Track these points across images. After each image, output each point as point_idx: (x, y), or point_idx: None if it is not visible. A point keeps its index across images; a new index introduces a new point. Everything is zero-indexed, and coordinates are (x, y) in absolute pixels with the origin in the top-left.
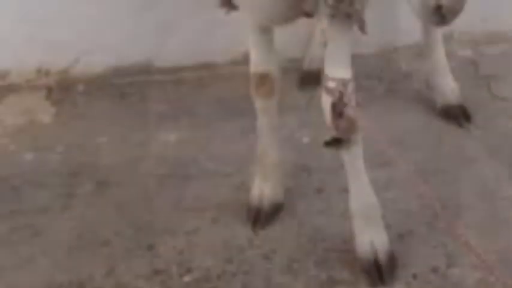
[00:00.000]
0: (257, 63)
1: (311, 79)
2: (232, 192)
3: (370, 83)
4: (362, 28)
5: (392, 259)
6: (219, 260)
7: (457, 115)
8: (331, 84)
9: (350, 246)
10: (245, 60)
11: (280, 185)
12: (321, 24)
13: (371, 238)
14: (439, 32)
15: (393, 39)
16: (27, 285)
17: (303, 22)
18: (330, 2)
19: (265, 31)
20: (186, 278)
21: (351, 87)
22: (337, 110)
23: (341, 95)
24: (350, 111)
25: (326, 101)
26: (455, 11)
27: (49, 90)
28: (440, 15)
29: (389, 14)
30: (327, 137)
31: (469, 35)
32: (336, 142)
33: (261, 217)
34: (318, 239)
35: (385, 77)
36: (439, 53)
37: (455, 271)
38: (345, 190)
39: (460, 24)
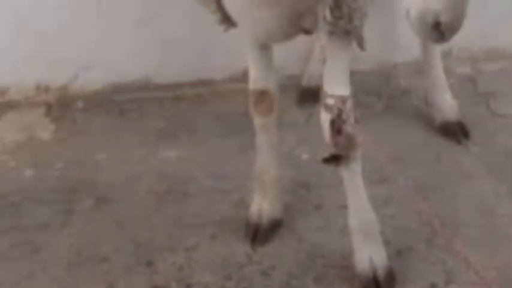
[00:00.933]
0: (256, 80)
1: (310, 96)
2: (231, 209)
3: (369, 100)
4: (361, 45)
5: (391, 275)
6: (218, 276)
7: (456, 132)
8: (330, 101)
9: (349, 262)
10: (244, 77)
11: (279, 202)
12: (320, 41)
13: (370, 254)
14: (438, 49)
15: (392, 56)
16: None
17: (301, 39)
18: (329, 18)
19: (264, 48)
20: None
21: (349, 104)
22: (336, 126)
23: (340, 112)
24: (349, 128)
25: (325, 118)
26: (454, 28)
27: (48, 106)
28: (439, 32)
29: (388, 30)
30: (326, 153)
31: (467, 52)
32: (335, 159)
33: (260, 233)
34: (317, 255)
35: (384, 94)
36: (438, 69)
37: None
38: (344, 206)
39: (459, 41)
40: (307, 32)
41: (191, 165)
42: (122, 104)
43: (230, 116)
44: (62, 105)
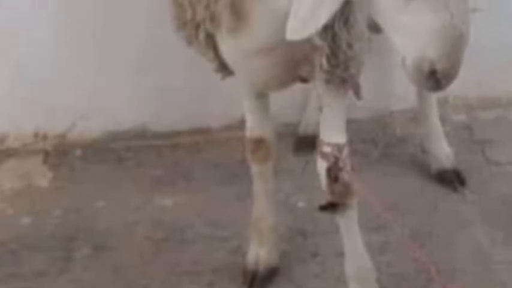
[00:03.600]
0: (253, 128)
1: (306, 144)
2: (229, 256)
3: (365, 148)
4: (357, 93)
5: None
6: None
7: (452, 179)
8: (327, 149)
9: None
10: (241, 125)
11: (276, 249)
12: (317, 89)
13: None
14: (434, 97)
15: (388, 104)
16: None
17: (298, 87)
18: (325, 67)
19: (261, 96)
20: None
21: (345, 151)
22: (333, 174)
23: (336, 160)
24: (345, 175)
25: (321, 166)
26: (450, 77)
27: (46, 154)
28: (435, 81)
29: (384, 79)
30: (323, 201)
31: (463, 100)
32: (331, 206)
33: (257, 281)
34: None
35: (380, 142)
36: (434, 117)
37: None
38: (341, 254)
39: (455, 89)
40: (304, 80)
41: (188, 213)
42: (119, 152)
43: (227, 163)
44: (59, 153)
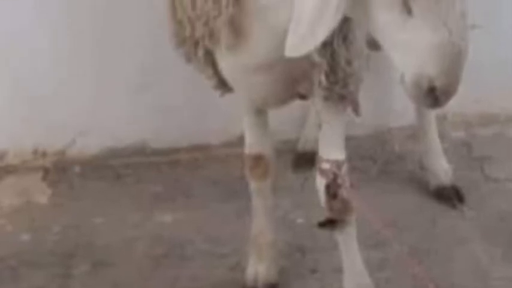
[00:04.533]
0: (252, 145)
1: (305, 160)
2: (228, 273)
3: (364, 164)
4: (356, 110)
5: None
6: None
7: (450, 196)
8: (325, 166)
9: None
10: (240, 142)
11: (274, 265)
12: (315, 106)
13: None
14: (433, 114)
15: (387, 121)
16: None
17: (297, 104)
18: (324, 84)
19: (260, 113)
20: None
21: (344, 168)
22: (331, 191)
23: (335, 177)
24: (344, 192)
25: (320, 183)
26: (449, 93)
27: (45, 171)
28: (434, 97)
29: (383, 95)
30: (321, 217)
31: (462, 117)
32: (330, 223)
33: None
34: None
35: (378, 158)
36: (433, 134)
37: None
38: (339, 270)
39: (453, 105)
40: (303, 96)
41: (188, 229)
42: (118, 169)
43: (226, 180)
44: (59, 170)
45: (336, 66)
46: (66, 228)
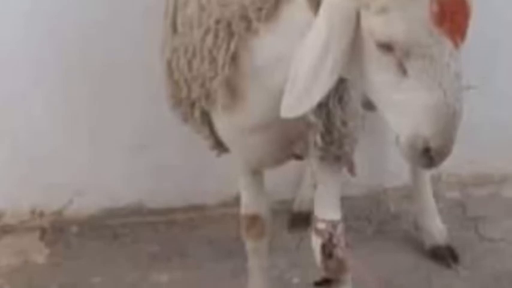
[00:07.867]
0: (248, 205)
1: (301, 221)
2: None
3: (359, 224)
4: (351, 170)
5: None
6: None
7: (445, 256)
8: (321, 226)
9: None
10: (236, 202)
11: None
12: (311, 166)
13: None
14: (427, 174)
15: (382, 181)
16: None
17: (292, 164)
18: (320, 144)
19: (256, 173)
20: None
21: (340, 228)
22: (327, 250)
23: (330, 236)
24: (339, 252)
25: (316, 242)
26: (443, 154)
27: (43, 231)
28: (429, 158)
29: (378, 156)
30: (317, 277)
31: (456, 177)
32: (326, 282)
33: None
34: None
35: (374, 218)
36: (427, 194)
37: None
38: None
39: (448, 166)
40: (298, 157)
41: None
42: (115, 229)
43: (222, 240)
44: (56, 230)
45: (332, 127)
46: None
